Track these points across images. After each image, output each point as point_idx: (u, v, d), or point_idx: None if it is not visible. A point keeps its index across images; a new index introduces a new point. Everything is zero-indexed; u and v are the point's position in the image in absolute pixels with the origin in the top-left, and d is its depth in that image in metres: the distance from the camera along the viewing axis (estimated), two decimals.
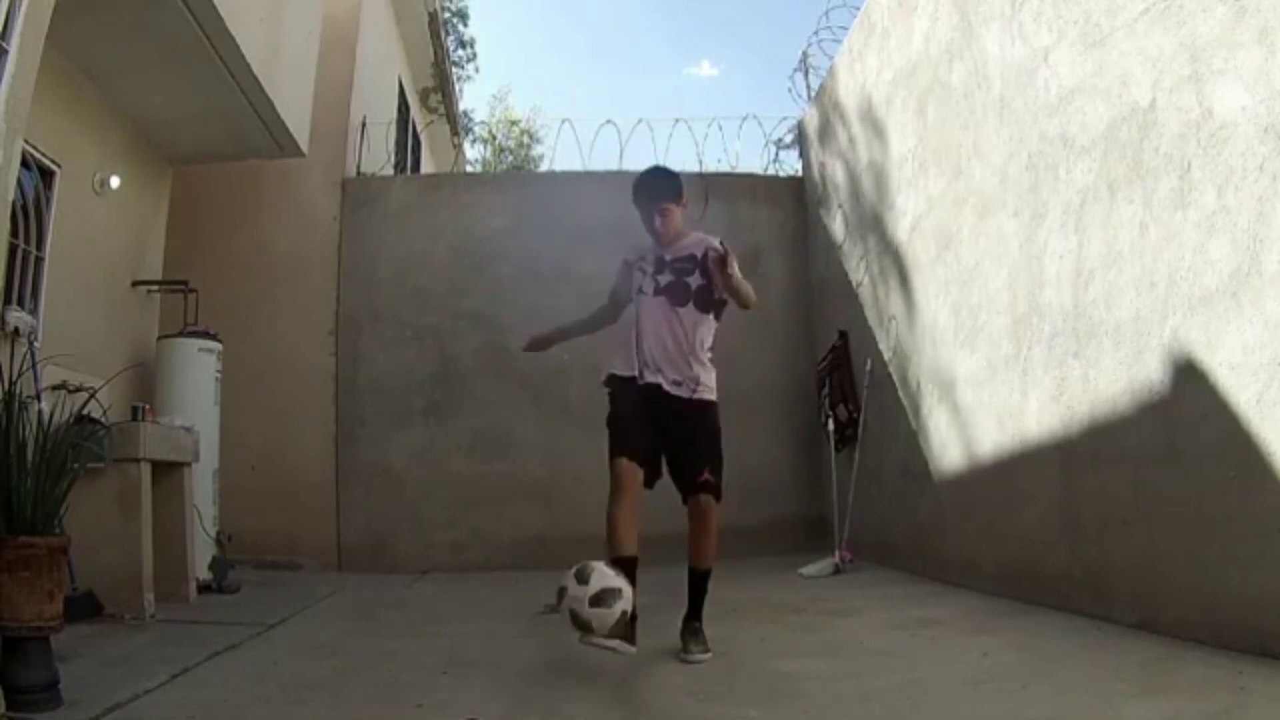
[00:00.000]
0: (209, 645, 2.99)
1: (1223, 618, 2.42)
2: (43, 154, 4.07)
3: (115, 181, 4.68)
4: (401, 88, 8.63)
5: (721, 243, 2.88)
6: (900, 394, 4.82)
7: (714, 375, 3.00)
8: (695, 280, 2.94)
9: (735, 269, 2.78)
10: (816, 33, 6.34)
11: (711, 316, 2.99)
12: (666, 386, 2.90)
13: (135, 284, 5.08)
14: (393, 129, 7.35)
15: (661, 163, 3.13)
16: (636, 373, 2.92)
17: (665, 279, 2.96)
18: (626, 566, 2.63)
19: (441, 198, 6.61)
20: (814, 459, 5.99)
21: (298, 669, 2.78)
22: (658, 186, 3.01)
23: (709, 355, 2.99)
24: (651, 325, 2.93)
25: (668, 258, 2.99)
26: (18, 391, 2.46)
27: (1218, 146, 2.45)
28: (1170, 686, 2.13)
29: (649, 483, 2.89)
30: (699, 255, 2.95)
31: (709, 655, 2.75)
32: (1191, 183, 2.56)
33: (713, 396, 2.97)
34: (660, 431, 2.90)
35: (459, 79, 14.85)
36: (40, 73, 2.72)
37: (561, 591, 2.47)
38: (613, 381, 2.99)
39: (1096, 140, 3.03)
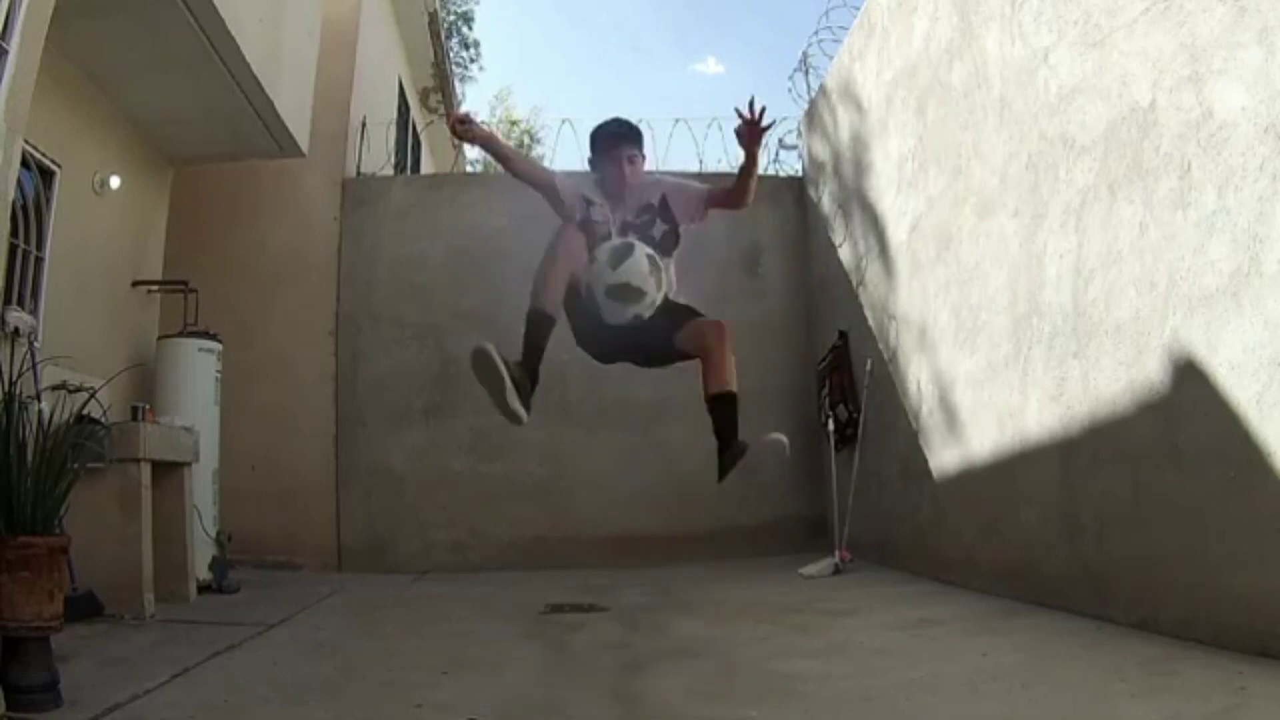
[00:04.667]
0: (209, 645, 2.99)
1: (1223, 618, 2.42)
2: (43, 154, 4.06)
3: (115, 182, 4.68)
4: (401, 88, 8.63)
5: (751, 106, 2.66)
6: (900, 394, 4.82)
7: None
8: (659, 228, 2.77)
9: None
10: (817, 33, 6.34)
11: (672, 258, 2.81)
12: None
13: (135, 284, 5.07)
14: (393, 129, 7.34)
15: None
16: None
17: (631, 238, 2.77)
18: (549, 325, 2.60)
19: (441, 198, 6.61)
20: (814, 459, 5.99)
21: (298, 669, 2.78)
22: (630, 132, 2.81)
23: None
24: None
25: (629, 218, 2.78)
26: (18, 392, 2.46)
27: (1218, 146, 2.45)
28: (1170, 687, 2.13)
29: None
30: (655, 201, 2.78)
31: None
32: (1191, 183, 2.56)
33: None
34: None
35: (463, 80, 14.85)
36: (40, 73, 2.72)
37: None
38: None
39: (1096, 140, 3.03)
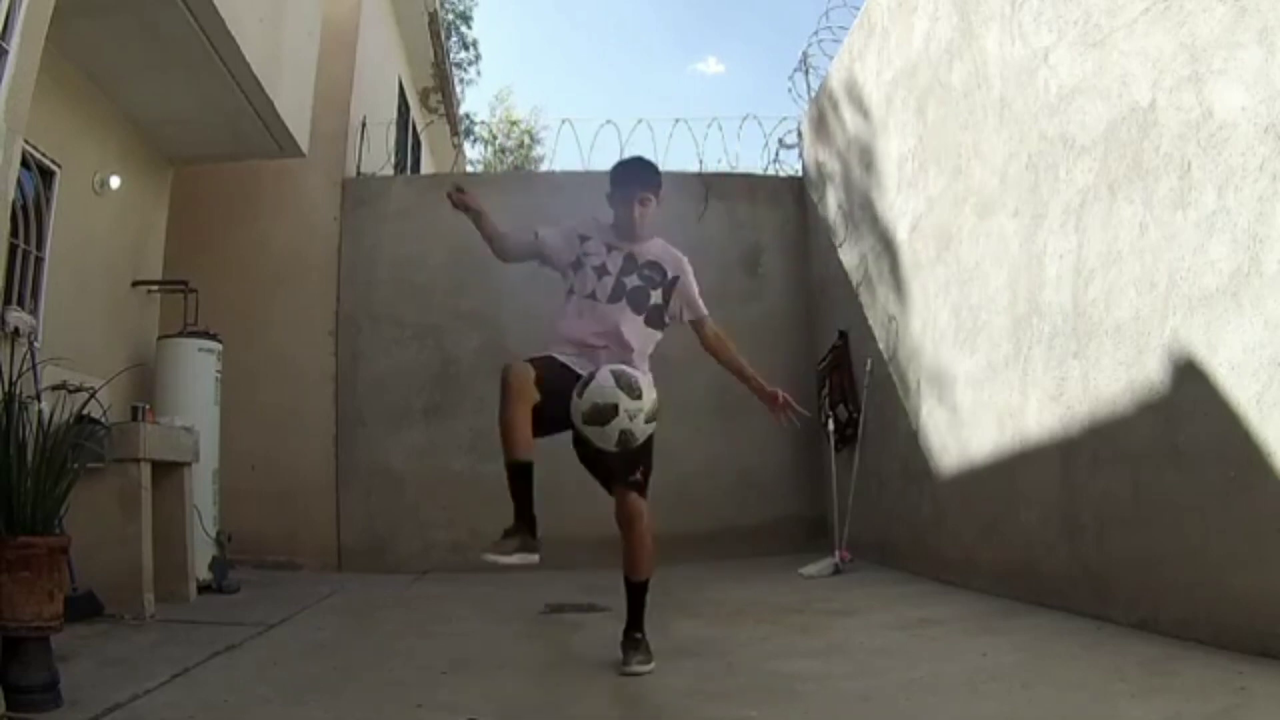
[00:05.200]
0: (209, 645, 2.99)
1: (1223, 618, 2.42)
2: (43, 154, 4.07)
3: (115, 182, 4.68)
4: (401, 88, 8.63)
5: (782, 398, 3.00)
6: (900, 394, 4.82)
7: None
8: (656, 296, 2.81)
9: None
10: (816, 33, 6.34)
11: (658, 333, 2.87)
12: None
13: (135, 284, 5.07)
14: (393, 129, 7.34)
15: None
16: (583, 365, 2.69)
17: (632, 282, 2.79)
18: (525, 472, 2.61)
19: (441, 198, 6.60)
20: (814, 459, 5.99)
21: (298, 669, 2.78)
22: (647, 173, 2.84)
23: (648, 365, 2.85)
24: (609, 331, 2.73)
25: (639, 259, 2.81)
26: (18, 392, 2.46)
27: (1218, 146, 2.45)
28: (1171, 687, 2.13)
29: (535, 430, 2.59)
30: (668, 272, 2.83)
31: (652, 666, 2.60)
32: (1191, 182, 2.56)
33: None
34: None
35: (462, 81, 14.86)
36: (40, 73, 2.72)
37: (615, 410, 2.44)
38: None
39: (1096, 140, 3.03)
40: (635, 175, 2.84)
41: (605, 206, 2.90)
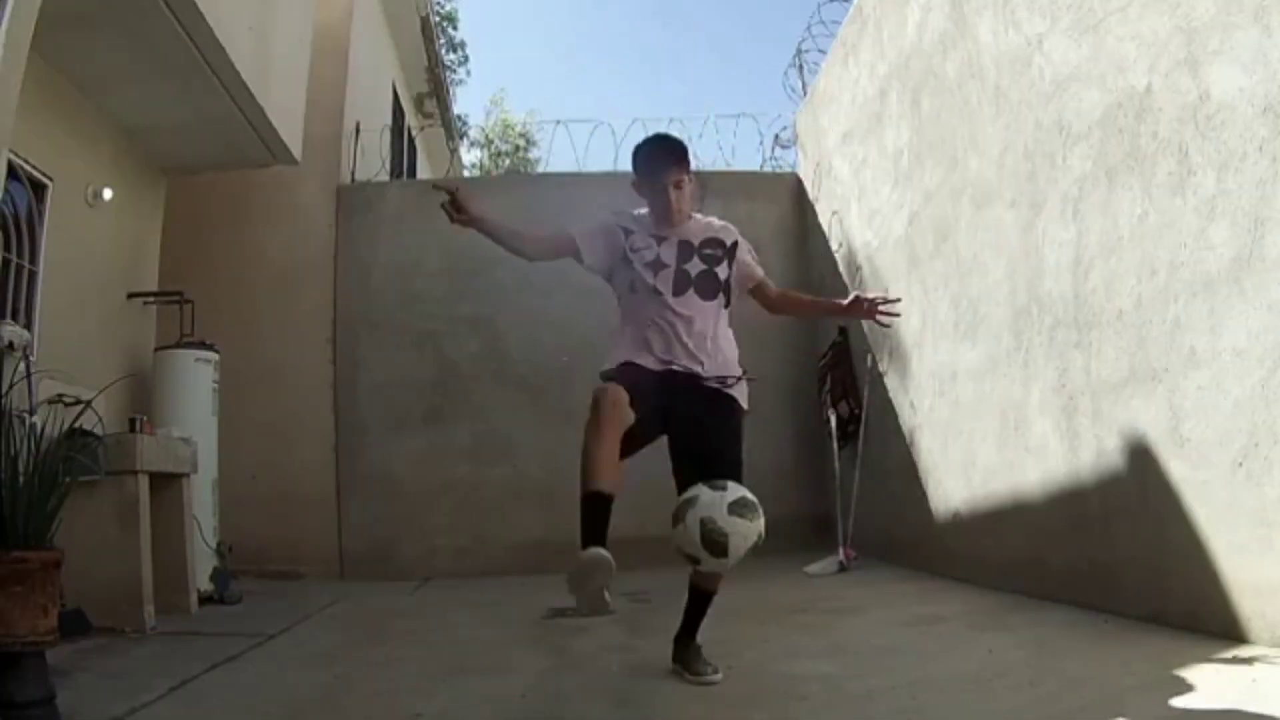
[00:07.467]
0: (209, 657, 2.97)
1: (1232, 609, 2.38)
2: (34, 167, 4.06)
3: (108, 193, 4.66)
4: (395, 94, 8.62)
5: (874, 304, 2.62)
6: (901, 389, 4.79)
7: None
8: (723, 271, 2.58)
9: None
10: (809, 28, 6.32)
11: (727, 310, 2.64)
12: (703, 372, 2.52)
13: (131, 296, 5.05)
14: (387, 135, 7.33)
15: None
16: (665, 363, 2.50)
17: (696, 268, 2.54)
18: (606, 508, 2.24)
19: (437, 202, 6.58)
20: (816, 457, 5.96)
21: (298, 679, 2.76)
22: (671, 152, 2.55)
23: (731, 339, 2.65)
24: (683, 325, 2.51)
25: (695, 241, 2.57)
26: (9, 405, 2.44)
27: (1216, 129, 2.42)
28: (1180, 680, 2.09)
29: (625, 451, 2.32)
30: (727, 243, 2.62)
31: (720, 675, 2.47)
32: (1190, 167, 2.52)
33: (745, 401, 2.61)
34: (677, 424, 2.49)
35: (451, 83, 14.83)
36: (30, 86, 2.71)
37: (691, 501, 2.25)
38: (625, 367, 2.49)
39: (1093, 127, 3.00)
40: (662, 157, 2.56)
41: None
